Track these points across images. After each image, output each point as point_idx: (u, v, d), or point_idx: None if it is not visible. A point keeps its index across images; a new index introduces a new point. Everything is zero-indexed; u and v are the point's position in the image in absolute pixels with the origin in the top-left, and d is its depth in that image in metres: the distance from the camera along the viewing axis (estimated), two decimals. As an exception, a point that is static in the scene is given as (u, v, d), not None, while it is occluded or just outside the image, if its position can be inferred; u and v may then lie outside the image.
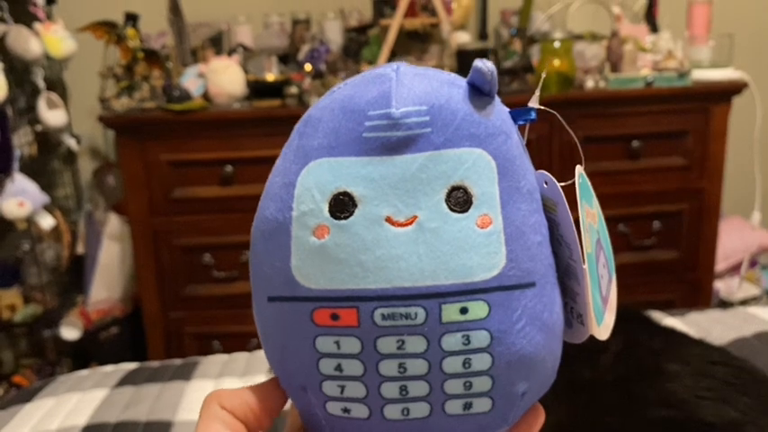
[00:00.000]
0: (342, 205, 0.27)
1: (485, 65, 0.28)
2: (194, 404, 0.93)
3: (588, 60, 1.84)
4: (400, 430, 0.29)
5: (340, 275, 0.27)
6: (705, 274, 1.88)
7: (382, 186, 0.27)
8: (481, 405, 0.29)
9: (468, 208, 0.27)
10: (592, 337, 0.32)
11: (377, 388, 0.28)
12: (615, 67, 1.84)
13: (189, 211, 1.73)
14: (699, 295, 1.88)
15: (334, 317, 0.27)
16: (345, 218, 0.27)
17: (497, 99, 0.29)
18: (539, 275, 0.29)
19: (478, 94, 0.29)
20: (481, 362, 0.28)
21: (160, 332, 1.78)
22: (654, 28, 1.98)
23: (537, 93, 0.31)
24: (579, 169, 0.31)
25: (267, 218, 0.29)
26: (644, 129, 1.77)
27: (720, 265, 1.98)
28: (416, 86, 0.28)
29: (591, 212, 0.32)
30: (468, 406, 0.28)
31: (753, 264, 2.10)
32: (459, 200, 0.27)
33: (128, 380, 1.02)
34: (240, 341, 1.64)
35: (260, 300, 0.30)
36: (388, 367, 0.28)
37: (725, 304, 1.99)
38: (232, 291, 1.75)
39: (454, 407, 0.28)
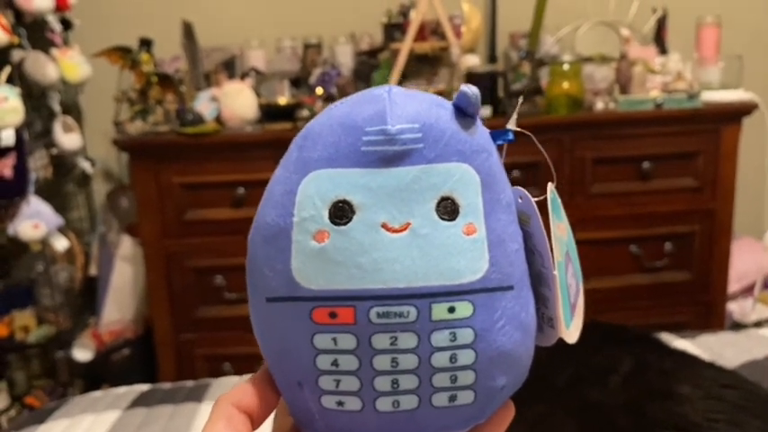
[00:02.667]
0: (341, 212, 0.29)
1: (470, 89, 0.30)
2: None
3: (598, 82, 1.85)
4: (390, 422, 0.31)
5: (338, 277, 0.29)
6: (718, 295, 1.86)
7: (379, 195, 0.29)
8: (465, 397, 0.31)
9: (456, 217, 0.30)
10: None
11: (370, 382, 0.30)
12: (625, 89, 1.85)
13: (201, 233, 1.74)
14: (712, 317, 1.86)
15: (332, 315, 0.29)
16: (344, 224, 0.29)
17: (479, 120, 0.32)
18: (516, 279, 0.31)
19: (463, 115, 0.31)
20: (466, 357, 0.30)
21: (171, 354, 1.79)
22: (663, 50, 1.99)
23: (514, 116, 0.33)
24: (550, 187, 0.34)
25: (268, 223, 0.31)
26: (654, 150, 1.77)
27: (734, 287, 1.97)
28: (408, 106, 0.30)
29: (561, 226, 0.35)
30: (453, 398, 0.31)
31: (766, 285, 2.08)
32: (448, 209, 0.30)
33: (141, 401, 1.03)
34: (251, 363, 1.63)
35: (257, 301, 0.32)
36: (382, 362, 0.30)
37: (739, 326, 1.97)
38: (243, 312, 1.71)
39: (441, 399, 0.31)
